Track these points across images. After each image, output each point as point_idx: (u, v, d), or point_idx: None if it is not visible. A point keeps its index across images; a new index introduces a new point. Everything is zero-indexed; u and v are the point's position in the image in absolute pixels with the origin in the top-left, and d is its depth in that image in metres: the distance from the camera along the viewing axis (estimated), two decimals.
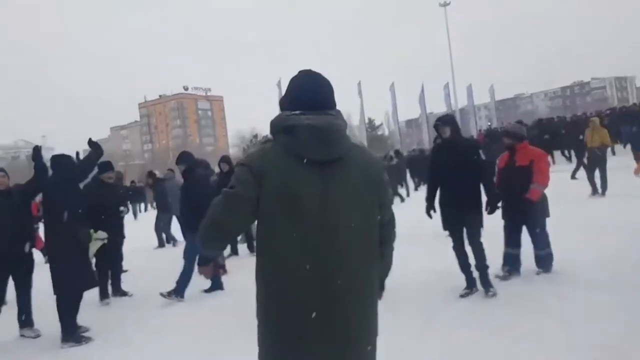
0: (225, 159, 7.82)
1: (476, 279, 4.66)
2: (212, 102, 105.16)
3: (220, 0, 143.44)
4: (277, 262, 1.74)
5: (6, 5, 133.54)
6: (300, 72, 1.91)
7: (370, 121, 54.50)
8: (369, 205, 1.83)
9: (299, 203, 1.70)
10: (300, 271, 1.71)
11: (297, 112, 1.79)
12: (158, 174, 12.77)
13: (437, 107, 46.11)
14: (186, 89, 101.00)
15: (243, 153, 43.87)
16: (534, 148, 5.19)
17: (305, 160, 1.72)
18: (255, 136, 49.49)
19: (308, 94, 1.82)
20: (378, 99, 52.56)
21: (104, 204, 5.92)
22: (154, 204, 12.42)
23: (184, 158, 5.99)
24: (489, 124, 38.73)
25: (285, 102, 1.88)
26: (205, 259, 2.11)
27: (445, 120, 4.67)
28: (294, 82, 1.89)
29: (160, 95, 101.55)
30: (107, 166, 6.30)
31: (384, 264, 1.99)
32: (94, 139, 5.37)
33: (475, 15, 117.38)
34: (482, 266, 4.58)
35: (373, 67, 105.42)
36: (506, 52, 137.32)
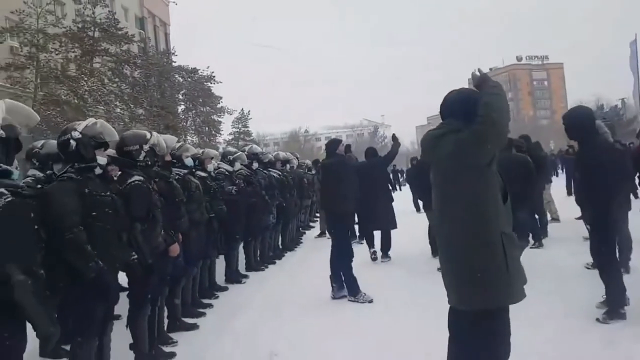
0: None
1: None
2: (549, 70, 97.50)
3: None
4: None
5: None
6: None
7: None
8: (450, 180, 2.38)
9: None
10: None
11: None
12: None
13: None
14: (519, 59, 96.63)
15: None
16: None
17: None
18: (601, 107, 43.15)
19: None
20: None
21: None
22: None
23: None
24: None
25: None
26: None
27: None
28: None
29: (490, 68, 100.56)
30: None
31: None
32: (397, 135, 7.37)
33: None
34: None
35: None
36: None
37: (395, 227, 7.46)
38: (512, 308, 2.40)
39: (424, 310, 4.37)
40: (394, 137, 7.51)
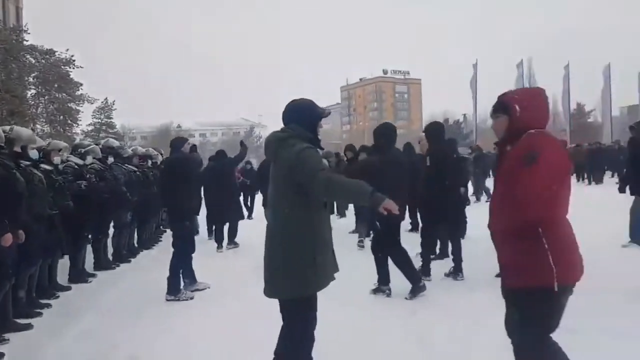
0: (349, 147, 9.33)
1: None
2: (410, 85, 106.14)
3: None
4: None
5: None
6: None
7: (580, 107, 49.19)
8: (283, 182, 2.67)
9: None
10: None
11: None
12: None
13: None
14: (385, 72, 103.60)
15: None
16: None
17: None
18: (446, 120, 48.58)
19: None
20: (590, 83, 45.20)
21: None
22: None
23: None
24: None
25: None
26: None
27: None
28: None
29: (360, 79, 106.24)
30: None
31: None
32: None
33: None
34: None
35: (585, 44, 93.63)
36: None
37: (242, 218, 9.00)
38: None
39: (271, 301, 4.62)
40: (241, 143, 8.63)
